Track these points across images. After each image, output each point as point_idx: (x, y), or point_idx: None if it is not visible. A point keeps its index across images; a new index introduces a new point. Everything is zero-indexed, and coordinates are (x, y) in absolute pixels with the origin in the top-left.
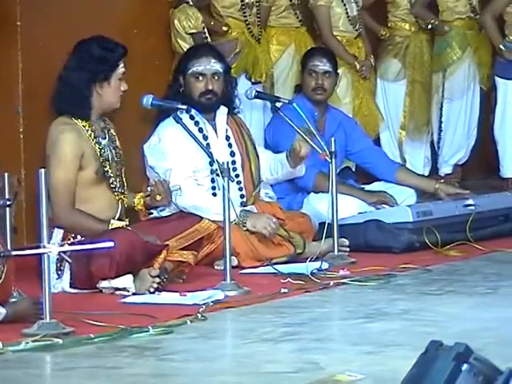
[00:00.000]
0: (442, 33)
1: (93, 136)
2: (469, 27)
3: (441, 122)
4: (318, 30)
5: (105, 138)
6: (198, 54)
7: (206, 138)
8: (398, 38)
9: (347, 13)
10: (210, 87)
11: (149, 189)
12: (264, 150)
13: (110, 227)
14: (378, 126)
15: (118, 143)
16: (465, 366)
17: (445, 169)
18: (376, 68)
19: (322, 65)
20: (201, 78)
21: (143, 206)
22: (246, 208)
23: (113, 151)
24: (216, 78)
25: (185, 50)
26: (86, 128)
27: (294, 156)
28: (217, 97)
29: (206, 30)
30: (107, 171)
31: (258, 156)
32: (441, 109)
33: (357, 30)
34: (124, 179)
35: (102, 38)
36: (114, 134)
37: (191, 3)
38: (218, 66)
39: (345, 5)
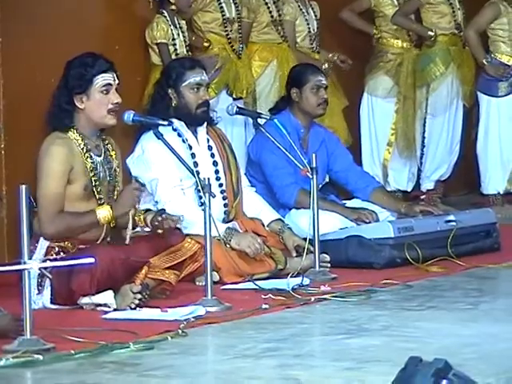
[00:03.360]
0: (427, 38)
1: (85, 151)
2: (452, 43)
3: (424, 138)
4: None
5: (100, 155)
6: (191, 66)
7: (190, 147)
8: (390, 55)
9: (309, 30)
10: (207, 97)
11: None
12: (251, 189)
13: (97, 215)
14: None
15: (115, 163)
16: (444, 382)
17: (427, 184)
18: (364, 83)
19: (324, 80)
20: (197, 89)
21: (142, 221)
22: (229, 225)
23: (106, 170)
24: (206, 88)
25: (155, 61)
26: (79, 142)
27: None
28: (209, 108)
29: (175, 42)
30: (97, 188)
31: (237, 167)
32: (424, 124)
33: (314, 46)
34: (115, 199)
35: (88, 53)
36: (112, 153)
37: (165, 14)
38: (206, 77)
39: (308, 22)
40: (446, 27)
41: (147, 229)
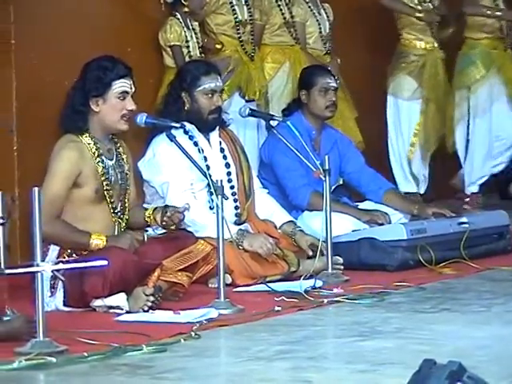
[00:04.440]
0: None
1: (96, 155)
2: (494, 46)
3: (467, 141)
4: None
5: (112, 159)
6: (207, 71)
7: (201, 151)
8: (412, 57)
9: (320, 31)
10: (220, 103)
11: (165, 218)
12: (263, 191)
13: (91, 240)
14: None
15: (126, 166)
16: None
17: (471, 187)
18: (387, 84)
19: (332, 82)
20: (211, 95)
21: (153, 221)
22: (241, 227)
23: (118, 173)
24: (220, 94)
25: (168, 63)
26: (91, 146)
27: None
28: (221, 113)
29: (189, 44)
30: (108, 192)
31: (250, 168)
32: (467, 127)
33: (326, 48)
34: (127, 203)
35: (107, 57)
36: (124, 156)
37: (178, 16)
38: (221, 83)
39: (319, 24)
40: (489, 30)
41: (160, 230)
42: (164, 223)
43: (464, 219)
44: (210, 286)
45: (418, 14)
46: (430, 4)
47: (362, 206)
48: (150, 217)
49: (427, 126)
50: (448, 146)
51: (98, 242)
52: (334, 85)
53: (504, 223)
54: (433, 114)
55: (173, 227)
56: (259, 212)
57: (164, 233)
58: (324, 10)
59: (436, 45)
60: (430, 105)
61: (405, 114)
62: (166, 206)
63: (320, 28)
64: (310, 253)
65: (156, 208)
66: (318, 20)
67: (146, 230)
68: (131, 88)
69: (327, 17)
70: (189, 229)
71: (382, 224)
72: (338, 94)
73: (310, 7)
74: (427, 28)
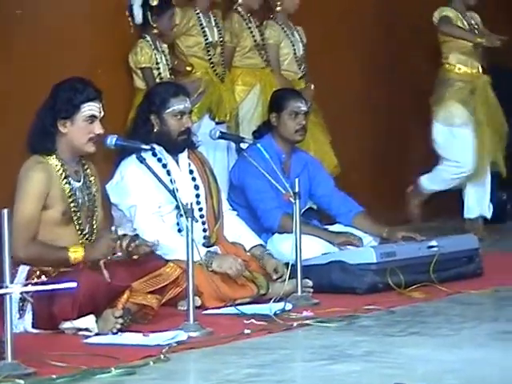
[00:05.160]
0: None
1: (63, 176)
2: None
3: None
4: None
5: (79, 180)
6: (175, 93)
7: (169, 173)
8: (459, 83)
9: (295, 53)
10: (189, 125)
11: (131, 247)
12: (232, 213)
13: (69, 254)
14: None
15: (94, 189)
16: None
17: None
18: (434, 112)
19: (303, 105)
20: (180, 116)
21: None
22: (210, 249)
23: (86, 195)
24: (189, 115)
25: (139, 85)
26: (58, 167)
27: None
28: (190, 135)
29: (159, 66)
30: (75, 213)
31: (219, 190)
32: None
33: (302, 71)
34: (95, 224)
35: (78, 79)
36: (92, 178)
37: (148, 38)
38: (190, 104)
39: (293, 45)
40: None
41: (119, 253)
42: (129, 250)
43: (433, 243)
44: (179, 308)
45: (479, 40)
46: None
47: (332, 228)
48: (116, 242)
49: (483, 150)
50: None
51: (76, 255)
52: (305, 108)
53: (473, 247)
54: (489, 138)
55: (135, 257)
56: (228, 234)
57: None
58: (297, 31)
59: (481, 70)
60: (485, 129)
61: (458, 140)
62: (137, 236)
63: (294, 50)
64: (274, 276)
65: (125, 235)
66: (291, 41)
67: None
68: (100, 112)
69: (300, 39)
70: (158, 252)
71: (358, 246)
72: (312, 119)
73: (283, 29)
74: (473, 53)
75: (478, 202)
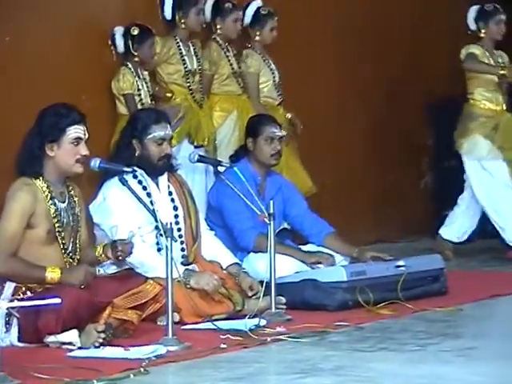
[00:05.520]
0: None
1: (49, 197)
2: None
3: None
4: (248, 94)
5: (64, 201)
6: (156, 120)
7: (149, 195)
8: (482, 118)
9: (274, 80)
10: (168, 151)
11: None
12: (210, 232)
13: (46, 274)
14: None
15: (78, 209)
16: None
17: None
18: (459, 145)
19: (278, 131)
20: (161, 142)
21: (105, 258)
22: (188, 267)
23: (70, 215)
24: (169, 141)
25: (122, 111)
26: (44, 189)
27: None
28: (170, 159)
29: (141, 93)
30: (60, 233)
31: (197, 211)
32: None
33: (280, 97)
34: (78, 243)
35: (62, 104)
36: (76, 199)
37: (130, 66)
38: (170, 131)
39: (272, 73)
40: None
41: (113, 268)
42: (118, 256)
43: (401, 262)
44: (158, 323)
45: (501, 72)
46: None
47: (304, 248)
48: (101, 255)
49: None
50: None
51: (52, 275)
52: (280, 134)
53: (439, 266)
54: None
55: (127, 257)
56: (205, 253)
57: (115, 272)
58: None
59: (505, 107)
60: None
61: (487, 172)
62: (114, 242)
63: (273, 77)
64: (250, 293)
65: (105, 245)
66: (271, 69)
67: (99, 268)
68: (85, 134)
69: (277, 67)
70: (138, 270)
71: (330, 265)
72: (292, 145)
73: (262, 57)
74: (498, 90)
75: (460, 227)
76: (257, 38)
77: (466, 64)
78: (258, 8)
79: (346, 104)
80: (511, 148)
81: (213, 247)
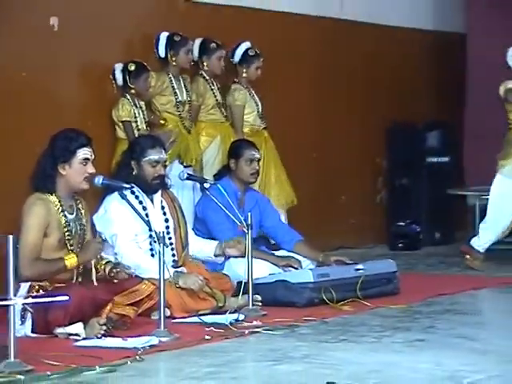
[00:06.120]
0: None
1: (60, 210)
2: None
3: None
4: (233, 123)
5: (72, 213)
6: (153, 145)
7: (145, 208)
8: None
9: (258, 110)
10: (162, 172)
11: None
12: (195, 236)
13: (65, 261)
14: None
15: (84, 220)
16: None
17: None
18: (500, 167)
19: (257, 154)
20: (155, 164)
21: (102, 270)
22: (178, 270)
23: (78, 226)
24: (163, 164)
25: (120, 135)
26: (56, 203)
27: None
28: (163, 179)
29: (137, 120)
30: (69, 241)
31: (186, 223)
32: None
33: (263, 123)
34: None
35: (71, 129)
36: (83, 211)
37: (128, 97)
38: (165, 155)
39: (256, 104)
40: None
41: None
42: (111, 275)
43: (360, 266)
44: (152, 317)
45: None
46: None
47: (277, 253)
48: (101, 266)
49: None
50: None
51: (71, 261)
52: (258, 156)
53: (392, 270)
54: None
55: (115, 280)
56: (191, 250)
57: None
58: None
59: None
60: None
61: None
62: (118, 264)
63: (257, 108)
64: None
65: (109, 261)
66: (255, 101)
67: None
68: (91, 155)
69: (260, 99)
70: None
71: (296, 268)
72: (275, 162)
73: (248, 91)
74: None
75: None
76: (244, 74)
77: (510, 99)
78: (247, 49)
79: (320, 129)
80: None
81: (197, 244)
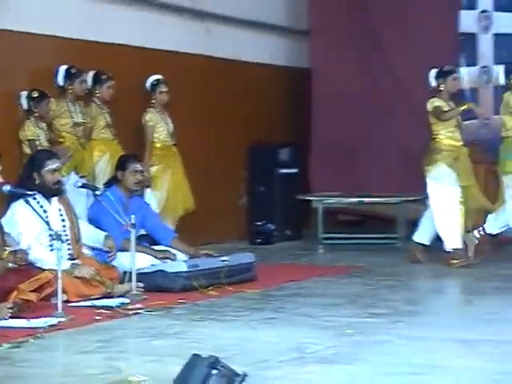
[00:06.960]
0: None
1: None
2: None
3: None
4: (145, 139)
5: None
6: (49, 157)
7: (45, 211)
8: (445, 153)
9: (168, 129)
10: (59, 178)
11: (17, 258)
12: (87, 224)
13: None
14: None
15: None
16: (214, 371)
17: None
18: (426, 172)
19: (139, 167)
20: (53, 172)
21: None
22: (74, 262)
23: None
24: (59, 172)
25: (26, 151)
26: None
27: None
28: (61, 185)
29: (40, 138)
30: None
31: (78, 224)
32: None
33: (173, 140)
34: None
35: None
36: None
37: (32, 119)
38: (60, 164)
39: (166, 124)
40: None
41: (10, 264)
42: (17, 260)
43: (225, 258)
44: (52, 302)
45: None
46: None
47: (156, 248)
48: (8, 256)
49: (469, 206)
50: None
51: None
52: (141, 168)
53: (250, 261)
54: (472, 195)
55: (23, 263)
56: (86, 240)
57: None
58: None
59: (462, 143)
60: (468, 189)
61: (447, 196)
62: (16, 250)
63: (168, 127)
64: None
65: (12, 251)
66: (166, 123)
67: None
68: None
69: (170, 120)
70: (37, 264)
71: (172, 260)
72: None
73: (159, 114)
74: (457, 130)
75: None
76: (153, 100)
77: (446, 117)
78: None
79: (206, 147)
80: (468, 176)
81: (89, 233)
